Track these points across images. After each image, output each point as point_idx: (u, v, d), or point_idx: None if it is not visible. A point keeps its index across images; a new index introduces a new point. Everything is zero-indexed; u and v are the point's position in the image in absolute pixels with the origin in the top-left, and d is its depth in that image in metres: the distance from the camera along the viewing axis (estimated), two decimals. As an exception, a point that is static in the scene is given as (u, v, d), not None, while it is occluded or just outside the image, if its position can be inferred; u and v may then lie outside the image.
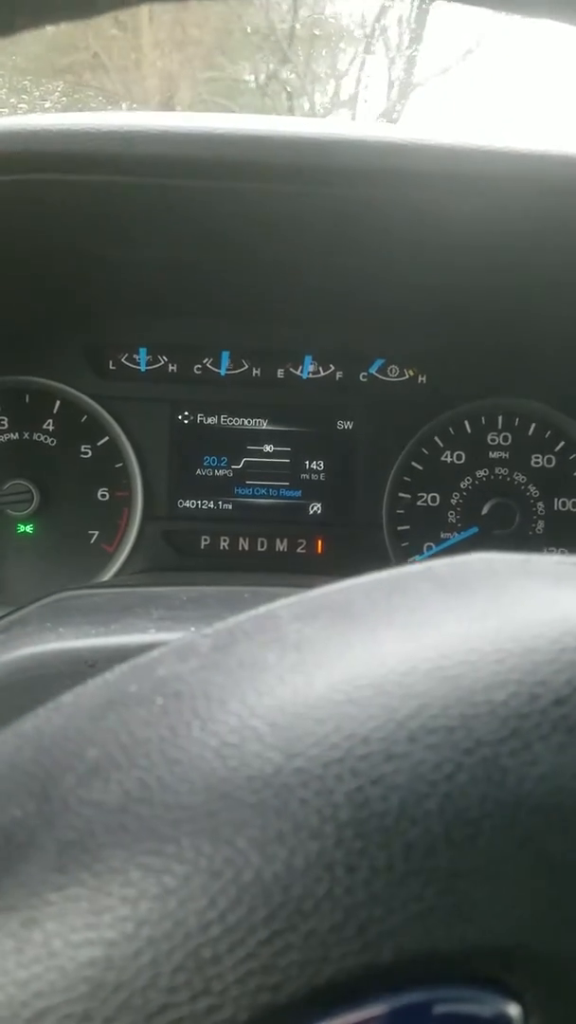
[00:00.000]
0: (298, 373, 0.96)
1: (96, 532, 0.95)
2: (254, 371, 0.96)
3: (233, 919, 0.19)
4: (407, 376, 0.97)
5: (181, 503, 0.96)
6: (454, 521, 0.96)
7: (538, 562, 0.25)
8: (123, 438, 0.94)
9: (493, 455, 0.96)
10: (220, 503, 0.96)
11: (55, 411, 0.94)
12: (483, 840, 0.19)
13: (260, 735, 0.21)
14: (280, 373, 0.96)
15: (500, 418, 0.96)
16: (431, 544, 0.96)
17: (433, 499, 0.96)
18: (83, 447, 0.94)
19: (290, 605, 0.27)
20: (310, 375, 0.96)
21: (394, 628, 0.23)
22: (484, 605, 0.23)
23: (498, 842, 0.19)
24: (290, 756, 0.20)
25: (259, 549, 0.96)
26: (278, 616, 0.26)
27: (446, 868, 0.19)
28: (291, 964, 0.18)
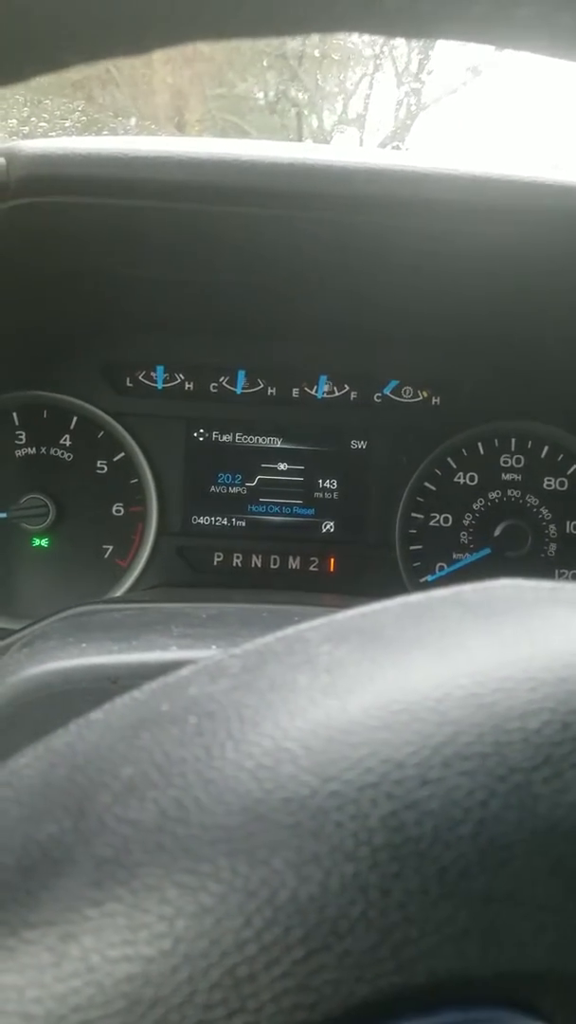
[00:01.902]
0: (313, 393, 0.97)
1: (110, 547, 0.95)
2: (269, 390, 0.97)
3: (269, 938, 0.19)
4: (421, 397, 0.97)
5: (195, 519, 0.97)
6: (466, 542, 0.96)
7: (567, 590, 0.26)
8: (139, 454, 0.95)
9: (506, 477, 0.96)
10: (234, 520, 0.97)
11: (72, 427, 0.95)
12: (516, 865, 0.19)
13: (295, 758, 0.21)
14: (295, 392, 0.97)
15: (513, 440, 0.97)
16: (443, 564, 0.96)
17: (445, 520, 0.96)
18: (99, 462, 0.95)
19: (318, 627, 0.27)
20: (325, 395, 0.97)
21: (427, 653, 0.23)
22: (515, 632, 0.23)
23: (530, 867, 0.19)
24: (325, 779, 0.20)
25: (272, 566, 0.97)
26: (307, 638, 0.27)
27: (479, 892, 0.19)
28: (326, 983, 0.19)
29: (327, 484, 0.97)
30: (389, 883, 0.19)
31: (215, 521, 0.97)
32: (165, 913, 0.19)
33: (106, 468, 0.95)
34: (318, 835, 0.20)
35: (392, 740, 0.21)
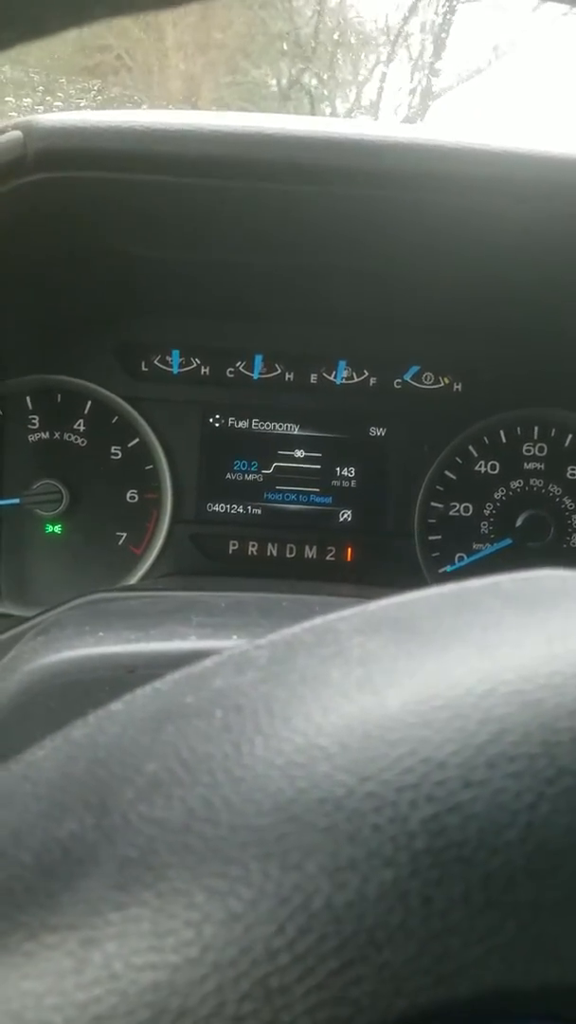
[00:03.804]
0: (332, 378, 0.95)
1: (124, 534, 0.95)
2: (287, 375, 0.95)
3: (302, 947, 0.18)
4: (442, 384, 0.96)
5: (210, 507, 0.96)
6: (487, 532, 0.94)
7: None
8: (154, 440, 0.94)
9: (528, 466, 0.94)
10: (249, 508, 0.96)
11: (86, 411, 0.94)
12: (566, 872, 0.18)
13: (329, 755, 0.20)
14: (313, 378, 0.95)
15: (536, 428, 0.95)
16: (462, 555, 0.95)
17: (466, 509, 0.95)
18: (113, 448, 0.94)
19: (349, 618, 0.26)
20: (344, 380, 0.95)
21: (467, 647, 0.22)
22: (562, 625, 0.22)
23: None
24: (362, 779, 0.19)
25: (288, 555, 0.95)
26: (338, 629, 0.26)
27: (527, 901, 0.18)
28: (363, 996, 0.18)
29: (345, 472, 0.96)
30: (430, 890, 0.18)
31: (230, 509, 0.96)
32: (192, 919, 0.18)
33: (120, 454, 0.94)
34: (354, 838, 0.18)
35: (433, 738, 0.19)
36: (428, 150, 0.57)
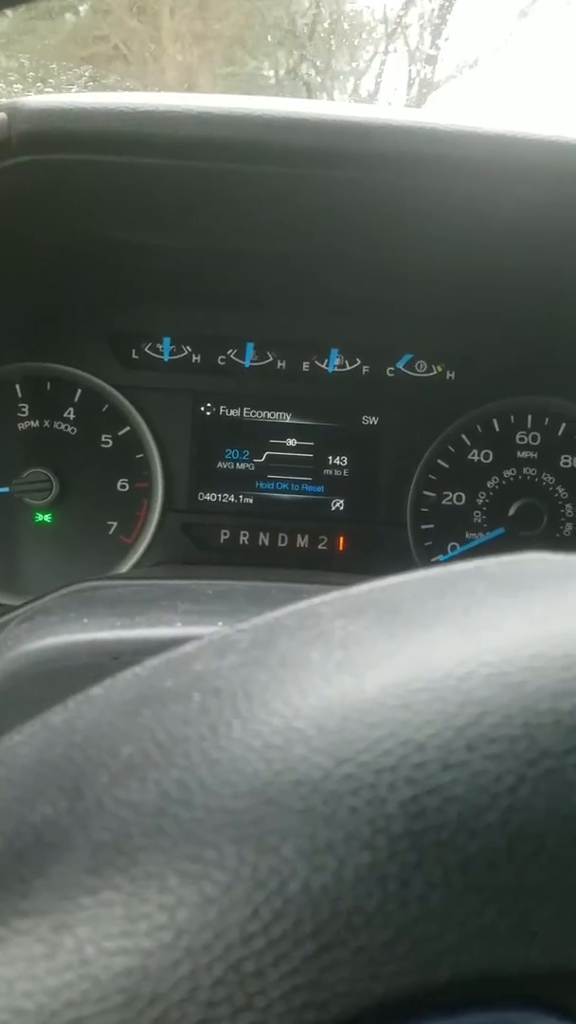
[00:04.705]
0: (324, 366, 0.95)
1: (115, 523, 0.94)
2: (279, 363, 0.95)
3: (278, 931, 0.17)
4: (435, 372, 0.95)
5: (201, 496, 0.95)
6: (480, 521, 0.94)
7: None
8: (144, 428, 0.93)
9: (521, 455, 0.94)
10: (241, 497, 0.95)
11: (76, 399, 0.93)
12: (547, 856, 0.18)
13: (306, 738, 0.20)
14: (305, 366, 0.95)
15: (529, 417, 0.94)
16: (455, 544, 0.95)
17: (459, 498, 0.94)
18: (104, 437, 0.94)
19: (332, 601, 0.26)
20: (336, 369, 0.95)
21: (449, 629, 0.21)
22: (545, 608, 0.22)
23: (563, 858, 0.18)
24: (339, 761, 0.19)
25: (279, 544, 0.95)
26: (320, 612, 0.25)
27: (507, 884, 0.18)
28: (339, 981, 0.17)
29: (337, 461, 0.95)
30: (409, 874, 0.18)
31: (222, 498, 0.95)
32: (166, 903, 0.18)
33: (111, 442, 0.94)
34: (331, 821, 0.18)
35: (412, 720, 0.19)
36: (423, 132, 0.56)
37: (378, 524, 0.95)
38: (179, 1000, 0.17)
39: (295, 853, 0.18)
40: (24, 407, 0.93)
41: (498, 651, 0.20)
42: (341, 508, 0.96)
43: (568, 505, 0.94)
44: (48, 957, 0.18)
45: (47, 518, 0.93)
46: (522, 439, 0.94)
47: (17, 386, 0.93)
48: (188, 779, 0.19)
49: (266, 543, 0.95)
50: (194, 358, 0.95)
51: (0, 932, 0.18)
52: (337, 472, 0.95)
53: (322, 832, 0.18)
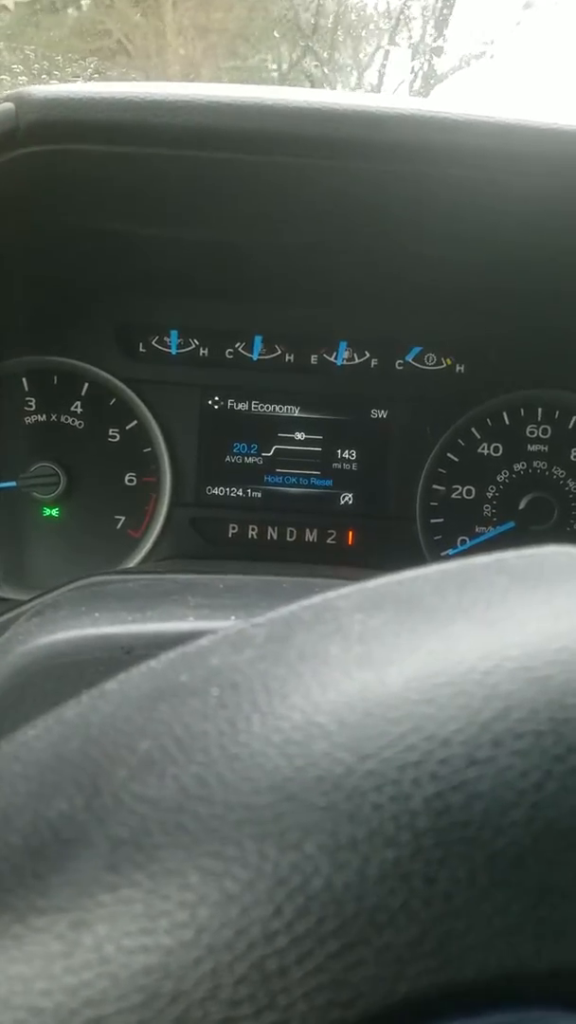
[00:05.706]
0: (332, 360, 0.94)
1: (122, 517, 0.94)
2: (287, 357, 0.94)
3: (301, 929, 0.17)
4: (444, 365, 0.94)
5: (209, 490, 0.95)
6: (489, 515, 0.94)
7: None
8: (152, 422, 0.93)
9: (532, 448, 0.94)
10: (249, 491, 0.95)
11: (83, 393, 0.93)
12: (574, 853, 0.17)
13: (328, 733, 0.19)
14: (314, 359, 0.94)
15: (540, 410, 0.94)
16: (465, 538, 0.94)
17: (468, 492, 0.94)
18: (111, 430, 0.93)
19: (348, 595, 0.25)
20: (345, 362, 0.94)
21: (471, 623, 0.21)
22: (569, 601, 0.21)
23: None
24: (362, 757, 0.18)
25: (288, 539, 0.95)
26: (337, 607, 0.25)
27: (534, 882, 0.17)
28: (363, 980, 0.17)
29: (346, 455, 0.95)
30: (433, 871, 0.17)
31: (230, 492, 0.95)
32: (187, 900, 0.18)
33: (118, 436, 0.93)
34: (354, 818, 0.18)
35: (436, 715, 0.19)
36: (436, 121, 0.55)
37: (387, 518, 0.94)
38: (200, 998, 0.17)
39: (317, 850, 0.18)
40: (31, 401, 0.93)
41: (522, 645, 0.20)
42: (350, 502, 0.95)
43: (579, 499, 0.93)
44: (66, 955, 0.18)
45: (55, 512, 0.93)
46: (532, 432, 0.94)
47: (24, 380, 0.93)
48: (207, 775, 0.19)
49: (275, 537, 0.95)
50: (202, 351, 0.94)
51: (17, 929, 0.18)
52: (346, 466, 0.95)
53: (345, 829, 0.18)
